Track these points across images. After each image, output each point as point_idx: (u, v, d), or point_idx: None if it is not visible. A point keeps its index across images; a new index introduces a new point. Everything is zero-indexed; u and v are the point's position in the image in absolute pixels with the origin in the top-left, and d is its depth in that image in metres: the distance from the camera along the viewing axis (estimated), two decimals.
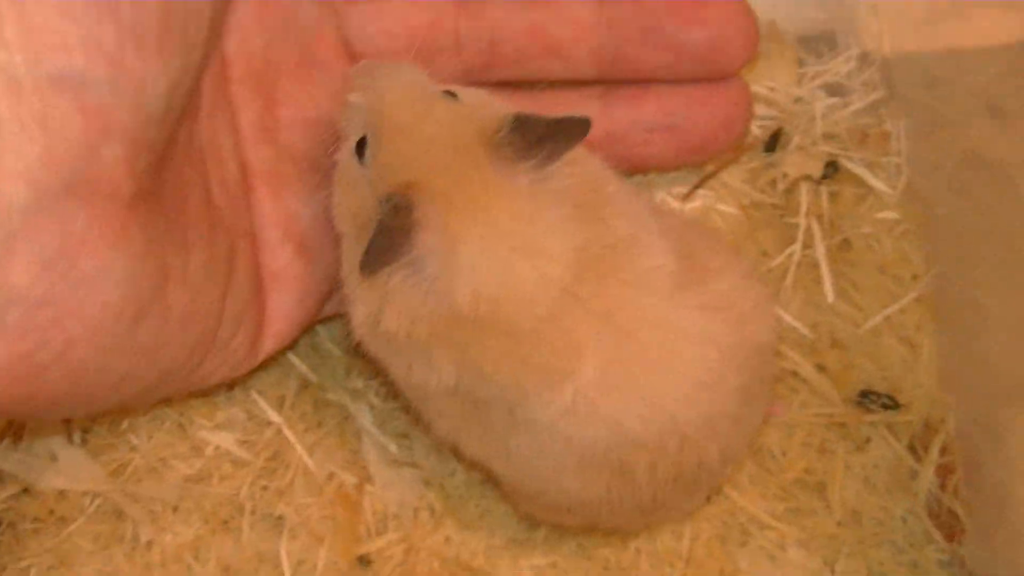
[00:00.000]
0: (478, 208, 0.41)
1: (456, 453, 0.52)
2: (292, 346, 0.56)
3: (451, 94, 0.45)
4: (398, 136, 0.43)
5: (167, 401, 0.56)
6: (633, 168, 0.56)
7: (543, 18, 0.53)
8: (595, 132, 0.53)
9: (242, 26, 0.48)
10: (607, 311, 0.42)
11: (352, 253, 0.45)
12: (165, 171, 0.41)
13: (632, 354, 0.42)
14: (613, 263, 0.43)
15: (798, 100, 0.62)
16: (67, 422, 0.55)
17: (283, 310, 0.49)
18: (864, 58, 0.63)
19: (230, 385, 0.56)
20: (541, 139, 0.41)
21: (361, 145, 0.44)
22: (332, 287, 0.51)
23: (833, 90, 0.62)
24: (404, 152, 0.43)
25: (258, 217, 0.49)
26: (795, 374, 0.58)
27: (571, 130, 0.42)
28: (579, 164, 0.44)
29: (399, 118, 0.43)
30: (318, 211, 0.50)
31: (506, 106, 0.45)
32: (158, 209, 0.40)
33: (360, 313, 0.44)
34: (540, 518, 0.54)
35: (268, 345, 0.50)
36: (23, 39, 0.34)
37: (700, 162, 0.59)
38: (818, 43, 0.63)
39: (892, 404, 0.58)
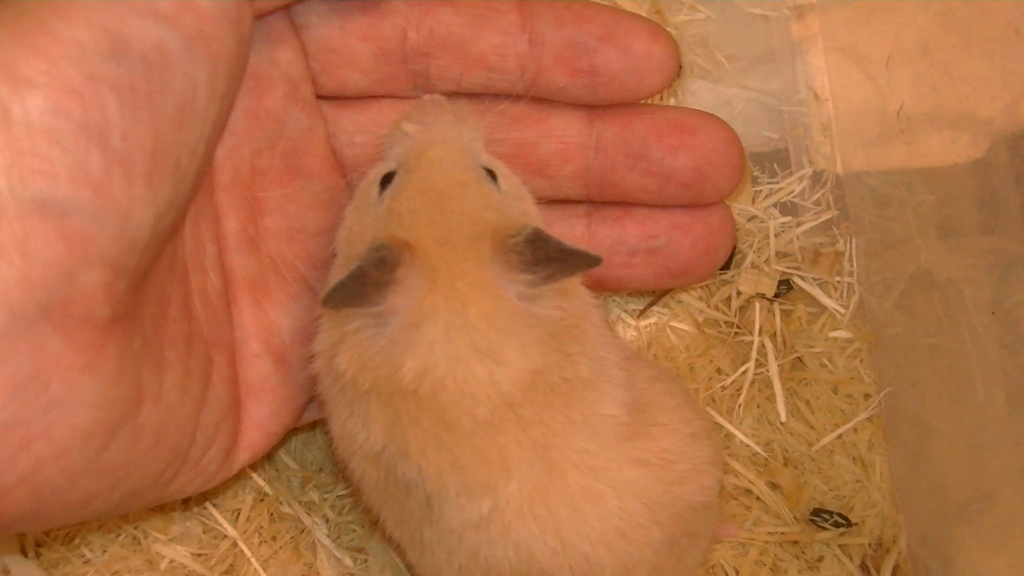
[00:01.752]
0: (459, 297, 0.41)
1: (401, 556, 0.52)
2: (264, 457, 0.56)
3: (493, 174, 0.46)
4: (421, 193, 0.43)
5: (124, 516, 0.56)
6: (613, 288, 0.57)
7: (531, 136, 0.53)
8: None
9: (232, 133, 0.48)
10: (544, 443, 0.42)
11: (335, 278, 0.45)
12: (145, 288, 0.41)
13: (556, 491, 0.43)
14: (566, 397, 0.43)
15: (752, 218, 0.63)
16: (21, 536, 0.55)
17: (259, 421, 0.49)
18: (816, 177, 0.64)
19: (186, 498, 0.57)
20: (549, 259, 0.42)
21: (387, 178, 0.45)
22: (308, 398, 0.51)
23: (786, 209, 0.64)
24: (418, 211, 0.43)
25: (238, 328, 0.49)
26: (748, 492, 0.59)
27: (580, 262, 0.42)
28: (570, 297, 0.44)
29: (432, 176, 0.44)
30: (299, 323, 0.50)
31: (533, 212, 0.46)
32: (135, 328, 0.40)
33: (322, 341, 0.45)
34: None
35: (242, 457, 0.49)
36: (9, 163, 0.34)
37: (680, 286, 0.60)
38: (771, 161, 0.65)
39: (844, 523, 0.59)
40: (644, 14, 0.63)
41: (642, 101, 0.53)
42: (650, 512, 0.44)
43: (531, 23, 0.50)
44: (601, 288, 0.55)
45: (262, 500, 0.57)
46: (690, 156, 0.52)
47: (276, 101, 0.49)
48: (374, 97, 0.52)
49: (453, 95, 0.51)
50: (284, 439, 0.55)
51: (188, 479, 0.46)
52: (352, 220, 0.46)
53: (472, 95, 0.52)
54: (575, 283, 0.45)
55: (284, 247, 0.50)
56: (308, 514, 0.57)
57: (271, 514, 0.57)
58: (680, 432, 0.47)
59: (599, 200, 0.54)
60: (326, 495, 0.58)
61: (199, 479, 0.47)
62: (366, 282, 0.40)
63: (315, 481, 0.58)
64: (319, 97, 0.51)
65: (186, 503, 0.57)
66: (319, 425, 0.59)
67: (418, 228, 0.42)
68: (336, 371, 0.43)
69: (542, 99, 0.52)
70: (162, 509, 0.56)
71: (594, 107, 0.52)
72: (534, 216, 0.47)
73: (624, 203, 0.54)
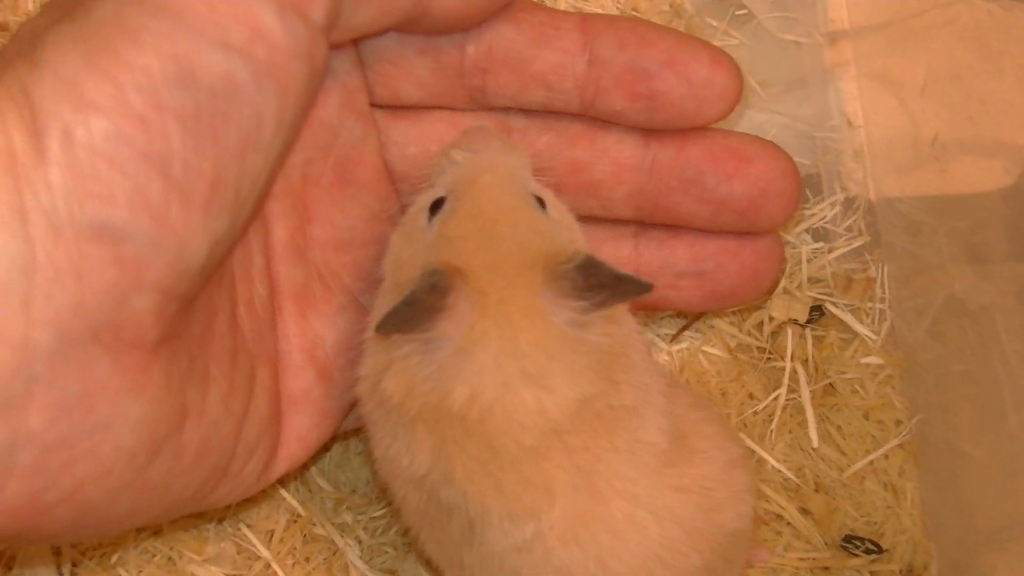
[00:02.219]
0: (510, 323, 0.41)
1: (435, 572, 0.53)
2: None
3: (541, 201, 0.46)
4: (472, 219, 0.43)
5: (158, 533, 0.56)
6: (658, 309, 0.56)
7: (586, 156, 0.52)
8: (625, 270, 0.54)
9: None
10: (588, 470, 0.43)
11: (382, 303, 0.45)
12: (194, 306, 0.41)
13: (599, 517, 0.43)
14: (611, 425, 0.43)
15: (785, 244, 0.63)
16: (57, 555, 0.56)
17: (299, 433, 0.49)
18: (849, 203, 0.65)
19: (220, 518, 0.57)
20: (601, 286, 0.42)
21: (437, 204, 0.45)
22: (349, 409, 0.51)
23: (818, 235, 0.64)
24: (470, 238, 0.43)
25: (282, 340, 0.48)
26: (779, 517, 0.59)
27: (631, 288, 0.42)
28: (617, 324, 0.44)
29: (482, 202, 0.44)
30: (343, 335, 0.50)
31: (580, 240, 0.46)
32: (182, 347, 0.40)
33: (368, 365, 0.45)
34: None
35: (281, 467, 0.49)
36: (69, 186, 0.34)
37: (725, 309, 0.59)
38: (804, 187, 0.65)
39: (875, 549, 0.59)
40: None
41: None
42: (689, 539, 0.45)
43: (592, 43, 0.49)
44: (645, 308, 0.55)
45: (295, 521, 0.58)
46: (746, 185, 0.51)
47: (330, 110, 0.49)
48: (428, 108, 0.51)
49: (510, 111, 0.51)
50: (321, 451, 0.56)
51: (226, 491, 0.47)
52: (400, 246, 0.46)
53: (528, 112, 0.51)
54: (622, 310, 0.45)
55: (331, 257, 0.50)
56: (341, 536, 0.58)
57: (304, 535, 0.58)
58: (718, 460, 0.47)
59: (649, 222, 0.54)
60: (359, 517, 0.58)
61: (237, 490, 0.47)
62: (419, 308, 0.40)
63: (348, 503, 0.58)
64: (373, 105, 0.51)
65: (220, 522, 0.57)
66: (353, 446, 0.59)
67: (469, 254, 0.42)
68: (382, 395, 0.43)
69: (598, 119, 0.51)
70: (197, 528, 0.57)
71: (650, 131, 0.52)
72: (582, 244, 0.47)
73: (674, 226, 0.53)
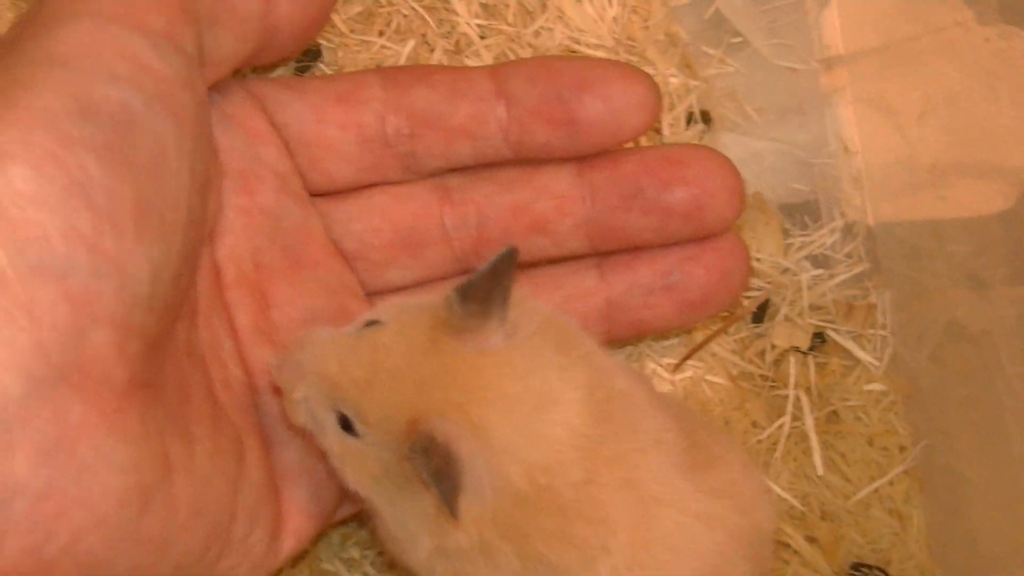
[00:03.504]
0: (482, 389, 0.41)
1: None
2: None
3: (374, 321, 0.45)
4: (369, 391, 0.43)
5: None
6: (640, 332, 0.57)
7: (526, 197, 0.53)
8: (596, 302, 0.54)
9: (229, 231, 0.49)
10: (629, 478, 0.43)
11: (399, 509, 0.44)
12: (164, 365, 0.42)
13: (653, 534, 0.43)
14: (623, 420, 0.43)
15: (784, 271, 0.63)
16: None
17: (299, 506, 0.49)
18: (848, 229, 0.65)
19: None
20: (488, 291, 0.41)
21: (345, 422, 0.44)
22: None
23: (818, 261, 0.64)
24: (386, 398, 0.42)
25: (265, 415, 0.49)
26: (786, 546, 0.59)
27: (504, 264, 0.42)
28: (533, 311, 0.44)
29: (355, 376, 0.43)
30: None
31: (425, 297, 0.46)
32: (157, 400, 0.41)
33: (425, 547, 0.44)
34: None
35: (289, 543, 0.49)
36: (3, 233, 0.35)
37: (704, 318, 0.59)
38: (802, 214, 0.65)
39: None
40: (674, 68, 0.64)
41: (629, 144, 0.54)
42: (736, 545, 0.45)
43: (504, 87, 0.51)
44: (629, 335, 0.56)
45: (303, 558, 0.58)
46: (685, 188, 0.52)
47: (268, 197, 0.50)
48: (366, 187, 0.53)
49: (444, 172, 0.53)
50: (331, 527, 0.56)
51: (235, 561, 0.46)
52: (362, 471, 0.44)
53: (462, 170, 0.53)
54: (526, 298, 0.45)
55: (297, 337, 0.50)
56: (348, 571, 0.58)
57: (312, 571, 0.58)
58: (735, 463, 0.47)
59: (606, 249, 0.55)
60: (366, 552, 0.58)
61: (247, 563, 0.47)
62: (445, 472, 0.40)
63: (355, 538, 0.58)
64: (313, 195, 0.52)
65: None
66: None
67: (400, 405, 0.42)
68: (455, 552, 0.43)
69: (531, 160, 0.53)
70: None
71: (583, 158, 0.53)
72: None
73: (632, 248, 0.54)
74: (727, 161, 0.53)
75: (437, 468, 0.40)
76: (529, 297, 0.45)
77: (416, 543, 0.45)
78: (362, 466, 0.44)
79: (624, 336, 0.56)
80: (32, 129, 0.36)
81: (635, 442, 0.43)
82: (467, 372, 0.42)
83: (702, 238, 0.54)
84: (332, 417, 0.44)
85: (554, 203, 0.53)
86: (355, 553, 0.58)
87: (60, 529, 0.37)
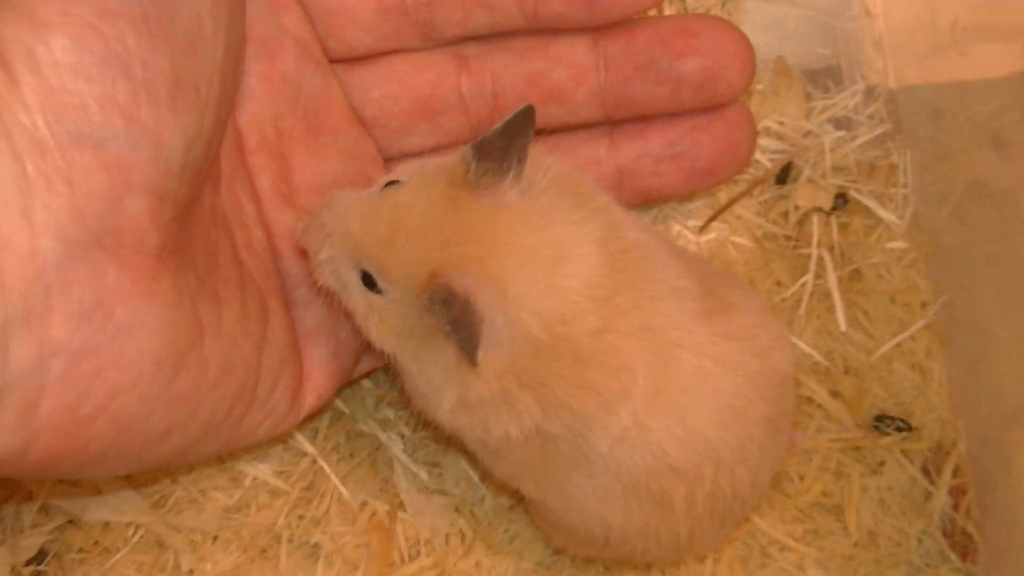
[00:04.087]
0: (497, 242, 0.42)
1: (488, 477, 0.54)
2: (332, 400, 0.57)
3: (394, 182, 0.46)
4: (391, 248, 0.44)
5: (219, 460, 0.58)
6: (649, 199, 0.58)
7: (541, 66, 0.54)
8: (606, 169, 0.55)
9: (251, 98, 0.50)
10: (647, 325, 0.44)
11: (423, 364, 0.46)
12: (192, 230, 0.43)
13: (673, 377, 0.44)
14: (639, 270, 0.44)
15: (807, 134, 0.64)
16: None
17: (320, 364, 0.51)
18: (870, 92, 0.65)
19: None
20: (503, 147, 0.42)
21: (367, 279, 0.45)
22: (366, 340, 0.52)
23: (840, 124, 0.64)
24: (407, 254, 0.43)
25: (287, 277, 0.50)
26: (810, 400, 0.60)
27: (520, 122, 0.43)
28: (548, 167, 0.45)
29: (377, 233, 0.44)
30: None
31: (436, 160, 0.47)
32: (188, 265, 0.42)
33: (448, 400, 0.46)
34: (576, 551, 0.56)
35: (309, 400, 0.51)
36: (43, 101, 0.36)
37: (712, 186, 0.61)
38: (824, 78, 0.65)
39: (905, 428, 0.60)
40: None
41: (645, 15, 0.54)
42: (754, 386, 0.46)
43: None
44: (639, 201, 0.57)
45: (339, 419, 0.59)
46: (698, 58, 0.53)
47: (289, 64, 0.51)
48: (384, 54, 0.54)
49: (462, 42, 0.54)
50: (351, 382, 0.57)
51: (260, 418, 0.48)
52: (386, 326, 0.46)
53: (479, 38, 0.53)
54: (541, 156, 0.46)
55: (317, 201, 0.51)
56: (384, 431, 0.59)
57: (348, 432, 0.59)
58: (752, 308, 0.48)
59: (618, 118, 0.55)
60: (401, 412, 0.59)
61: (270, 420, 0.49)
62: (464, 321, 0.41)
63: (389, 399, 0.60)
64: (332, 61, 0.53)
65: None
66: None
67: (420, 259, 0.43)
68: (479, 403, 0.44)
69: (547, 30, 0.53)
70: None
71: (598, 28, 0.53)
72: None
73: (643, 117, 0.55)
74: (739, 32, 0.54)
75: (456, 318, 0.41)
76: (544, 154, 0.46)
77: (440, 396, 0.46)
78: (385, 322, 0.46)
79: (634, 202, 0.57)
80: (72, 1, 0.37)
81: (651, 291, 0.44)
82: (484, 227, 0.43)
83: (713, 108, 0.55)
84: (356, 275, 0.46)
85: (569, 72, 0.54)
86: (390, 414, 0.60)
87: (96, 388, 0.38)
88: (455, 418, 0.47)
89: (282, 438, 0.58)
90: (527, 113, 0.43)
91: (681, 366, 0.44)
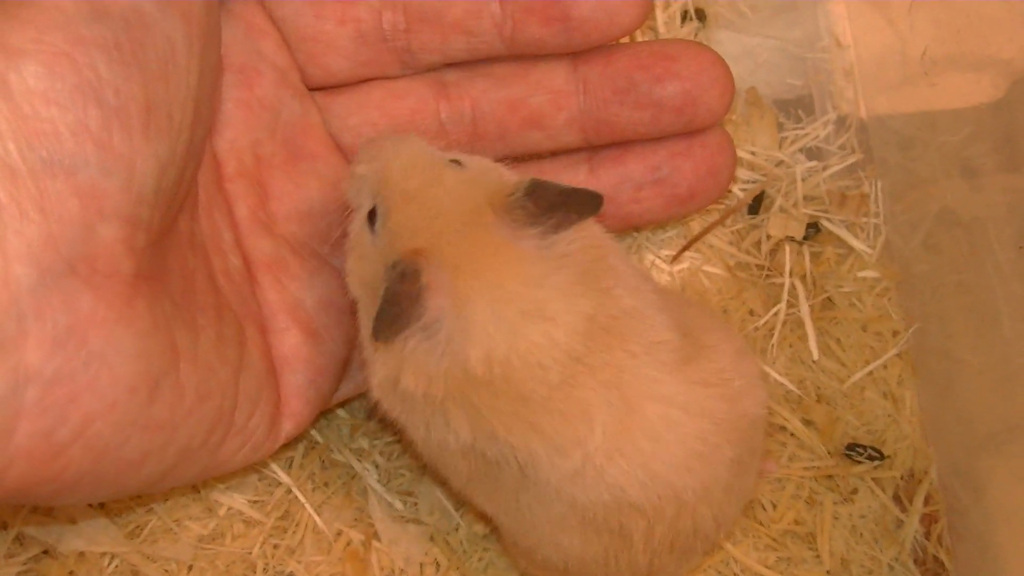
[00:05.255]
0: (486, 271, 0.42)
1: (463, 506, 0.54)
2: (309, 428, 0.57)
3: (457, 162, 0.47)
4: (406, 204, 0.45)
5: (194, 489, 0.58)
6: (627, 226, 0.58)
7: (521, 92, 0.54)
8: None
9: (229, 124, 0.51)
10: (615, 383, 0.44)
11: (367, 319, 0.46)
12: (168, 257, 0.44)
13: (636, 425, 0.44)
14: (620, 334, 0.44)
15: (779, 164, 0.64)
16: None
17: (296, 390, 0.51)
18: (841, 122, 0.66)
19: None
20: (553, 207, 0.43)
21: (372, 216, 0.46)
22: (343, 368, 0.53)
23: (812, 154, 0.65)
24: (412, 219, 0.44)
25: (264, 304, 0.51)
26: (783, 429, 0.61)
27: (584, 201, 0.43)
28: (582, 230, 0.45)
29: (406, 186, 0.45)
30: (321, 296, 0.52)
31: (511, 173, 0.47)
32: (163, 291, 0.42)
33: (378, 375, 0.46)
34: None
35: (287, 427, 0.51)
36: (15, 128, 0.36)
37: (692, 212, 0.61)
38: (796, 108, 0.66)
39: (877, 456, 0.60)
40: None
41: (621, 40, 0.54)
42: (721, 431, 0.46)
43: None
44: (619, 228, 0.57)
45: (313, 448, 0.59)
46: (677, 82, 0.53)
47: (267, 90, 0.52)
48: (363, 81, 0.54)
49: (440, 67, 0.54)
50: (329, 410, 0.57)
51: (237, 445, 0.48)
52: (359, 268, 0.47)
53: (458, 65, 0.54)
54: (586, 221, 0.46)
55: (296, 228, 0.52)
56: (358, 460, 0.59)
57: (322, 461, 0.60)
58: (728, 351, 0.49)
59: (598, 143, 0.56)
60: (375, 442, 0.60)
61: (248, 446, 0.49)
62: (402, 300, 0.42)
63: (364, 429, 0.60)
64: (311, 89, 0.53)
65: None
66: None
67: (420, 233, 0.44)
68: (404, 394, 0.45)
69: (526, 55, 0.54)
70: None
71: (577, 53, 0.54)
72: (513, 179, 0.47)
73: (623, 142, 0.55)
74: (718, 57, 0.54)
75: (396, 292, 0.42)
76: (593, 225, 0.46)
77: (373, 366, 0.47)
78: (361, 262, 0.47)
79: (614, 228, 0.56)
80: (45, 29, 0.37)
81: (625, 349, 0.44)
82: (485, 251, 0.43)
83: (692, 133, 0.55)
84: (368, 205, 0.46)
85: (549, 98, 0.54)
86: (364, 443, 0.60)
87: (71, 414, 0.39)
88: (385, 398, 0.47)
89: (257, 467, 0.59)
90: (595, 200, 0.43)
91: (647, 416, 0.44)
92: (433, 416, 0.45)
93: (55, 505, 0.57)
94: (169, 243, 0.44)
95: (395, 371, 0.45)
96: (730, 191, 0.63)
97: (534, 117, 0.55)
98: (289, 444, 0.59)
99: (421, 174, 0.45)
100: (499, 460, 0.45)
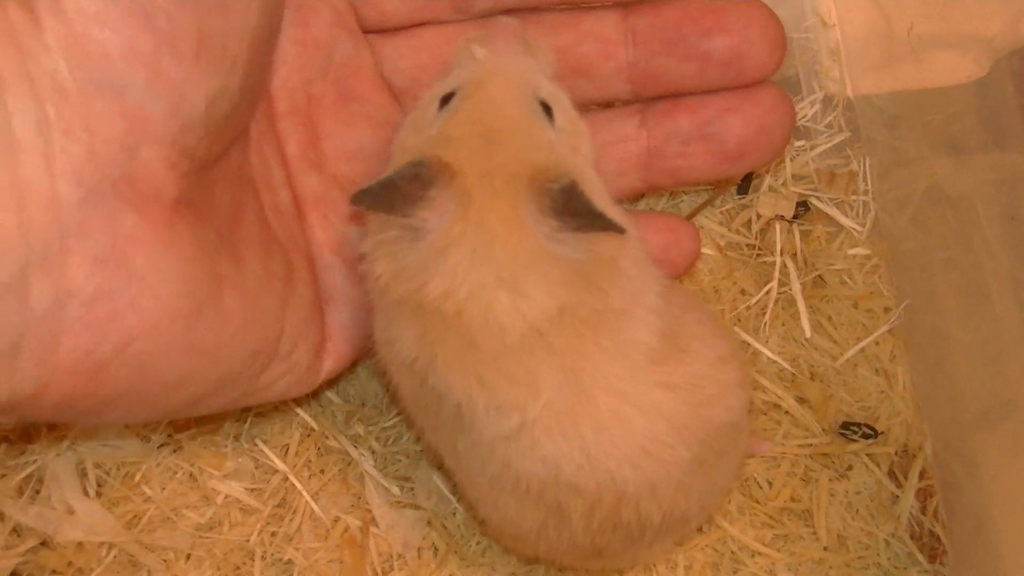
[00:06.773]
0: (488, 229, 0.42)
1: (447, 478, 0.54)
2: (352, 368, 0.57)
3: (547, 107, 0.46)
4: (472, 123, 0.44)
5: (221, 417, 0.58)
6: (677, 182, 0.57)
7: (570, 39, 0.54)
8: (634, 148, 0.55)
9: (284, 62, 0.51)
10: (574, 368, 0.44)
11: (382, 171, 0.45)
12: (216, 188, 0.44)
13: (585, 412, 0.44)
14: (596, 327, 0.44)
15: None
16: (83, 476, 0.57)
17: (340, 328, 0.51)
18: (828, 101, 0.66)
19: (236, 435, 0.59)
20: (577, 214, 0.42)
21: (447, 98, 0.46)
22: None
23: (800, 133, 0.65)
24: (466, 139, 0.44)
25: (311, 240, 0.51)
26: (777, 407, 0.61)
27: (604, 226, 0.42)
28: (604, 238, 0.44)
29: (485, 108, 0.45)
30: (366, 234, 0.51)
31: (585, 148, 0.47)
32: (208, 220, 0.43)
33: (367, 243, 0.46)
34: (505, 546, 0.56)
35: (328, 363, 0.51)
36: (66, 47, 0.37)
37: (743, 172, 0.60)
38: (783, 88, 0.66)
39: (872, 433, 0.61)
40: None
41: None
42: (677, 433, 0.46)
43: None
44: (666, 183, 0.57)
45: (309, 435, 0.59)
46: (726, 36, 0.53)
47: (322, 30, 0.51)
48: (417, 25, 0.54)
49: (493, 13, 0.53)
50: (366, 354, 0.55)
51: (279, 373, 0.48)
52: (407, 132, 0.47)
53: (511, 11, 0.53)
54: (625, 218, 0.46)
55: (345, 168, 0.53)
56: (355, 446, 0.59)
57: (318, 448, 0.60)
58: (707, 358, 0.48)
59: (646, 95, 0.55)
60: (371, 427, 0.60)
61: (289, 376, 0.49)
62: (395, 192, 0.42)
63: (359, 415, 0.60)
64: (365, 31, 0.53)
65: (236, 438, 0.59)
66: (360, 361, 0.61)
67: (462, 156, 0.43)
68: (374, 275, 0.45)
69: (577, 4, 0.54)
70: (215, 444, 0.59)
71: (628, 3, 0.54)
72: (586, 152, 0.47)
73: (674, 95, 0.55)
74: (769, 12, 0.53)
75: (397, 184, 0.41)
76: (628, 223, 0.45)
77: (366, 234, 0.46)
78: (411, 131, 0.47)
79: (661, 184, 0.56)
80: None
81: (596, 343, 0.44)
82: (503, 213, 0.42)
83: (742, 87, 0.54)
84: (446, 88, 0.46)
85: (597, 46, 0.54)
86: (360, 430, 0.60)
87: (112, 332, 0.39)
88: (367, 285, 0.47)
89: (253, 455, 0.59)
90: (616, 230, 0.42)
91: (597, 406, 0.44)
92: (389, 313, 0.45)
93: (96, 422, 0.56)
94: (218, 175, 0.44)
95: (375, 249, 0.45)
96: None
97: (582, 65, 0.54)
98: (284, 432, 0.60)
99: (503, 108, 0.45)
100: (438, 393, 0.45)
